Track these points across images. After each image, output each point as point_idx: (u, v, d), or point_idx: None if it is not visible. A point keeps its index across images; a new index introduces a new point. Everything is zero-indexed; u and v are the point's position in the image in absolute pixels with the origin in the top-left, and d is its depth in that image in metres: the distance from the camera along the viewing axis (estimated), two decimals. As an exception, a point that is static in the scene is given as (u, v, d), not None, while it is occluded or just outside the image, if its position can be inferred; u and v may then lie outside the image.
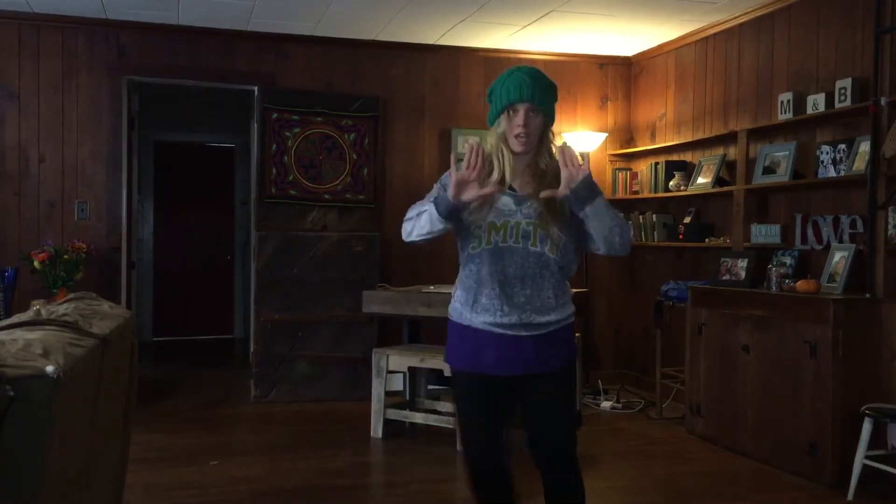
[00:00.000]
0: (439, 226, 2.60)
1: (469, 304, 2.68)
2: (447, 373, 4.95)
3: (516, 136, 2.61)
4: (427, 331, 5.99)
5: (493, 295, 2.63)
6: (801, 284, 4.59)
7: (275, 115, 6.26)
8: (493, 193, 2.57)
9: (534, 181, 2.64)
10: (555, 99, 2.71)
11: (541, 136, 2.66)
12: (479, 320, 2.65)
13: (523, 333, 2.64)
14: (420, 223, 2.65)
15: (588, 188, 2.52)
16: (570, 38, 6.41)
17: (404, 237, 2.73)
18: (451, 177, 2.51)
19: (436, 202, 2.57)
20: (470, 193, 2.52)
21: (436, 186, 2.72)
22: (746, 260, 5.22)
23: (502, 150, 2.65)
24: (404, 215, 2.73)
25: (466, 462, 2.80)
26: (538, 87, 2.62)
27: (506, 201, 2.63)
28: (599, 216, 2.55)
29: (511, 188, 2.65)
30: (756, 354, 4.73)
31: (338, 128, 6.38)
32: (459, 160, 2.54)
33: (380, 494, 4.33)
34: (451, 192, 2.51)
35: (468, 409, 2.77)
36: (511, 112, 2.62)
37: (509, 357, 2.64)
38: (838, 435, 4.21)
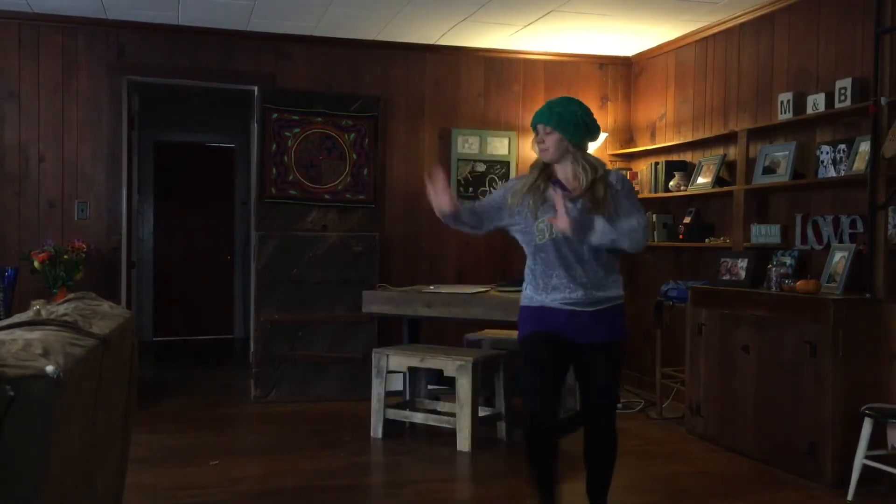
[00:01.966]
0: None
1: (541, 288, 3.32)
2: (447, 372, 4.97)
3: (537, 149, 3.36)
4: (427, 331, 5.99)
5: (562, 275, 3.27)
6: (801, 284, 4.59)
7: (275, 115, 6.27)
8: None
9: (578, 184, 3.28)
10: (574, 121, 3.30)
11: (563, 149, 3.30)
12: (551, 298, 3.29)
13: (588, 308, 3.27)
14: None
15: (577, 231, 3.16)
16: (570, 38, 6.41)
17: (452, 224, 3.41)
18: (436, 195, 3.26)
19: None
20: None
21: (507, 186, 3.46)
22: (746, 260, 5.22)
23: (540, 164, 3.38)
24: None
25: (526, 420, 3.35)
26: (547, 114, 3.32)
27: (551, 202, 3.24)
28: (602, 239, 3.18)
29: (565, 188, 3.29)
30: (756, 354, 4.73)
31: (338, 128, 6.38)
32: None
33: (380, 494, 4.33)
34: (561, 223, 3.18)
35: (534, 365, 3.32)
36: (536, 132, 3.36)
37: (576, 325, 3.26)
38: (838, 435, 4.21)
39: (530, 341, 3.34)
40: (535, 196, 3.31)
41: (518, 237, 3.41)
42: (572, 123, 3.30)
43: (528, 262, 3.39)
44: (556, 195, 3.20)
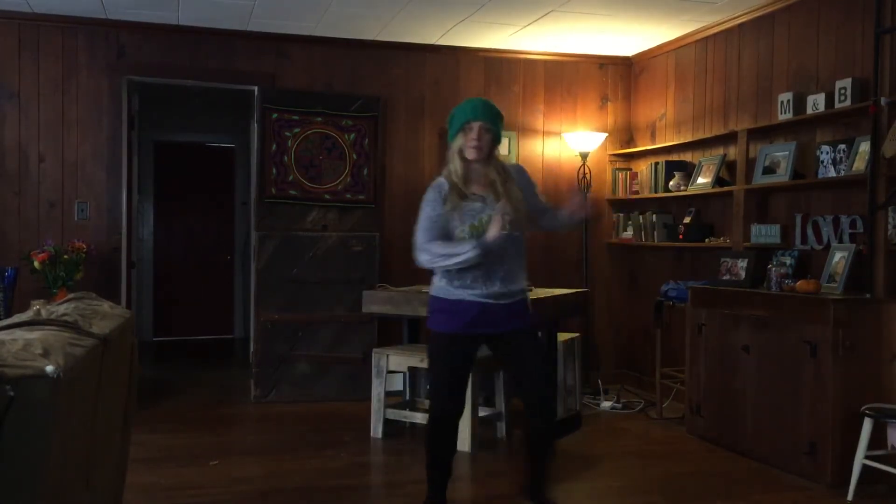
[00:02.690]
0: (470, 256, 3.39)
1: (459, 282, 3.44)
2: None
3: (472, 147, 3.41)
4: (427, 331, 5.98)
5: (482, 272, 3.41)
6: (801, 284, 4.59)
7: (275, 115, 6.26)
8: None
9: (489, 188, 3.44)
10: (502, 124, 3.52)
11: (490, 150, 3.45)
12: (469, 293, 3.43)
13: (501, 301, 3.45)
14: (455, 261, 3.39)
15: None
16: (570, 38, 6.41)
17: (427, 265, 3.49)
18: (494, 228, 3.32)
19: (478, 248, 3.32)
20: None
21: (430, 204, 3.46)
22: (746, 260, 5.22)
23: (459, 166, 3.45)
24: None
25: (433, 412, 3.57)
26: (489, 112, 3.45)
27: (475, 206, 3.42)
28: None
29: (474, 193, 3.43)
30: (756, 354, 4.73)
31: (338, 128, 6.38)
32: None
33: (380, 494, 4.33)
34: (490, 236, 3.32)
35: (445, 365, 3.51)
36: (467, 129, 3.42)
37: (490, 318, 3.44)
38: (838, 435, 4.21)
39: (444, 340, 3.50)
40: (454, 200, 3.42)
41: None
42: (501, 126, 3.50)
43: None
44: (495, 221, 3.32)
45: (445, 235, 3.43)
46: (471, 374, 3.69)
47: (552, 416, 3.61)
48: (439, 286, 3.54)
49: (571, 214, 3.57)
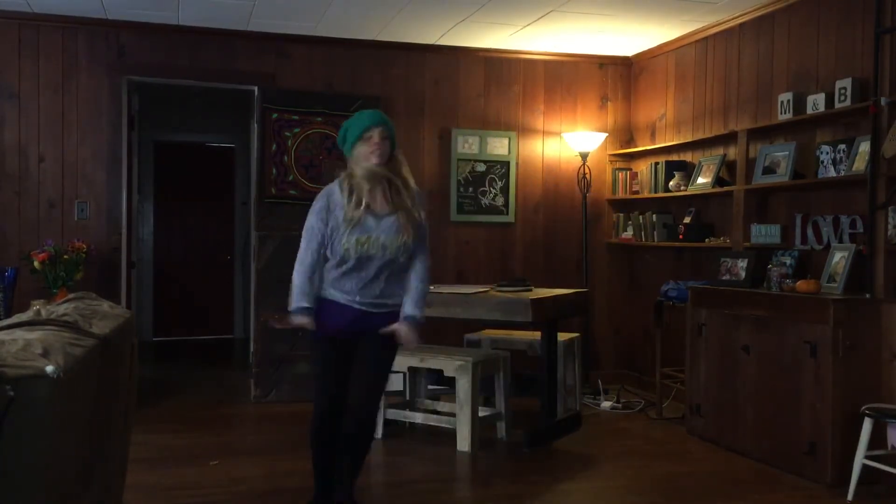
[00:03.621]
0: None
1: (337, 286, 3.49)
2: (447, 372, 4.98)
3: (372, 153, 3.45)
4: (427, 331, 5.98)
5: (354, 287, 3.47)
6: (801, 284, 4.59)
7: (275, 115, 6.26)
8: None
9: (389, 200, 3.46)
10: (394, 132, 3.57)
11: (390, 156, 3.51)
12: (345, 297, 3.48)
13: (374, 311, 3.49)
14: (295, 279, 3.55)
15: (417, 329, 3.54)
16: (570, 38, 6.41)
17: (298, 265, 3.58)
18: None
19: (295, 312, 3.48)
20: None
21: (316, 214, 3.53)
22: (746, 260, 5.22)
23: (361, 179, 3.45)
24: None
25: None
26: (384, 119, 3.53)
27: (368, 222, 3.42)
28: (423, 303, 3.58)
29: (370, 208, 3.43)
30: (756, 354, 4.73)
31: (338, 128, 6.36)
32: None
33: (380, 494, 4.33)
34: (294, 321, 3.49)
35: (327, 365, 3.57)
36: (366, 136, 3.46)
37: (363, 322, 3.49)
38: (838, 435, 4.21)
39: (323, 343, 3.55)
40: (345, 212, 3.43)
41: (330, 241, 3.51)
42: (394, 133, 3.56)
43: (329, 263, 3.50)
44: (404, 335, 3.49)
45: (324, 246, 3.49)
46: (349, 375, 3.63)
47: (369, 422, 3.58)
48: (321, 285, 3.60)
49: (405, 316, 3.52)
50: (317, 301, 3.51)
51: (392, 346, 3.57)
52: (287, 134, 6.29)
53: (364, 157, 3.47)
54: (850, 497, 4.04)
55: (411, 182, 3.55)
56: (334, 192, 3.53)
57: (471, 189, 6.76)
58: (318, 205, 3.54)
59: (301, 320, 3.45)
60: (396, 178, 3.50)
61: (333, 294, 3.50)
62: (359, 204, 3.43)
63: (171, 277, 9.51)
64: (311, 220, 3.52)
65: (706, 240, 5.91)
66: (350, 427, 3.51)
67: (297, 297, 3.47)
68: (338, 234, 3.44)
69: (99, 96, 6.08)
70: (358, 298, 3.47)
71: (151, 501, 3.94)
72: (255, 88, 6.37)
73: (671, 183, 6.23)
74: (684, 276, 6.09)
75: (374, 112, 3.60)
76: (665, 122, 6.66)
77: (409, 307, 3.51)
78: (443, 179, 6.72)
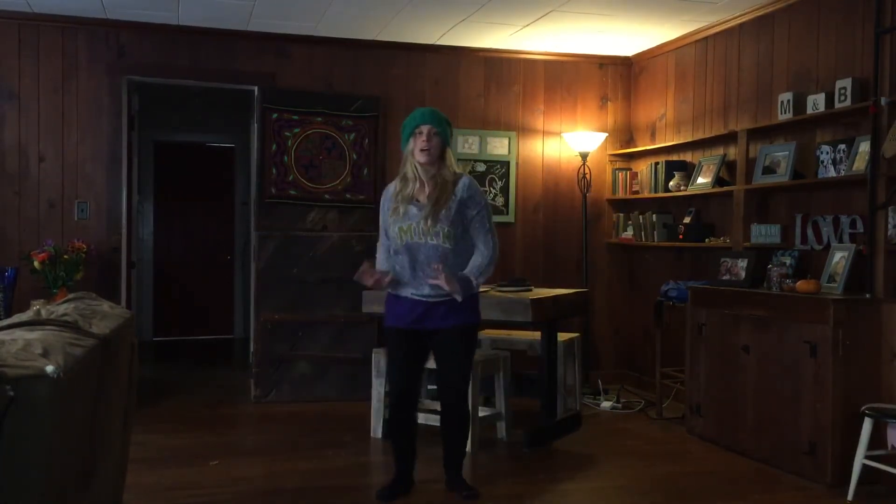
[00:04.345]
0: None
1: (403, 282, 3.82)
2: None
3: (421, 150, 3.74)
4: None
5: (411, 275, 3.79)
6: (801, 284, 4.59)
7: (275, 115, 6.26)
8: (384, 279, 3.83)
9: (436, 191, 3.74)
10: (451, 129, 3.88)
11: (440, 153, 3.78)
12: (410, 291, 3.81)
13: (433, 300, 3.77)
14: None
15: (465, 291, 3.76)
16: (570, 38, 6.41)
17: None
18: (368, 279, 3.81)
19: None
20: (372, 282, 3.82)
21: (382, 213, 3.90)
22: (746, 260, 5.22)
23: (413, 170, 3.77)
24: None
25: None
26: (436, 117, 3.79)
27: (412, 211, 3.76)
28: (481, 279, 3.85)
29: (416, 200, 3.77)
30: (756, 354, 4.73)
31: (338, 128, 6.38)
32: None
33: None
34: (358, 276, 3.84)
35: (398, 355, 3.90)
36: (417, 134, 3.75)
37: (431, 314, 3.78)
38: (838, 435, 4.21)
39: (392, 334, 3.91)
40: (396, 202, 3.79)
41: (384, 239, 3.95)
42: (448, 131, 3.84)
43: (392, 258, 3.88)
44: (440, 277, 3.68)
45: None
46: (423, 366, 4.06)
47: (459, 409, 4.00)
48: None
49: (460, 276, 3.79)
50: (390, 298, 3.91)
51: (467, 335, 3.87)
52: (287, 134, 6.29)
53: (414, 152, 3.76)
54: (850, 497, 4.04)
55: (458, 175, 3.82)
56: (389, 189, 3.91)
57: (471, 189, 6.76)
58: (382, 203, 3.95)
59: (361, 277, 3.78)
60: (441, 172, 3.77)
61: (399, 289, 3.85)
62: (405, 199, 3.77)
63: (171, 277, 9.51)
64: (381, 219, 3.94)
65: (706, 240, 5.91)
66: (445, 418, 3.97)
67: (380, 262, 3.90)
68: (389, 224, 3.83)
69: (99, 96, 6.08)
70: (420, 290, 3.78)
71: (151, 501, 3.94)
72: (255, 88, 6.37)
73: (671, 183, 6.23)
74: (684, 276, 6.09)
75: (429, 110, 3.83)
76: (665, 122, 6.66)
77: (465, 269, 3.80)
78: (443, 179, 6.72)
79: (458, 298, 3.75)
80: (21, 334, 1.84)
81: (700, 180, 5.96)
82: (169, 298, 9.47)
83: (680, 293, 5.64)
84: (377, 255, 3.97)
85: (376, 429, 5.18)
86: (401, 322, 3.87)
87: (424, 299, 3.80)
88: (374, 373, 5.22)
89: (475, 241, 3.83)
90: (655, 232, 6.41)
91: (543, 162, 6.96)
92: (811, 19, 5.11)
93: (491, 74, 6.84)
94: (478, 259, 3.80)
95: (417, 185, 3.80)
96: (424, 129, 3.73)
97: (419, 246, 3.76)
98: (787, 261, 5.00)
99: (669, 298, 5.77)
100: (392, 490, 3.99)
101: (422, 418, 5.23)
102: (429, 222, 3.72)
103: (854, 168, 4.60)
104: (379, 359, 5.20)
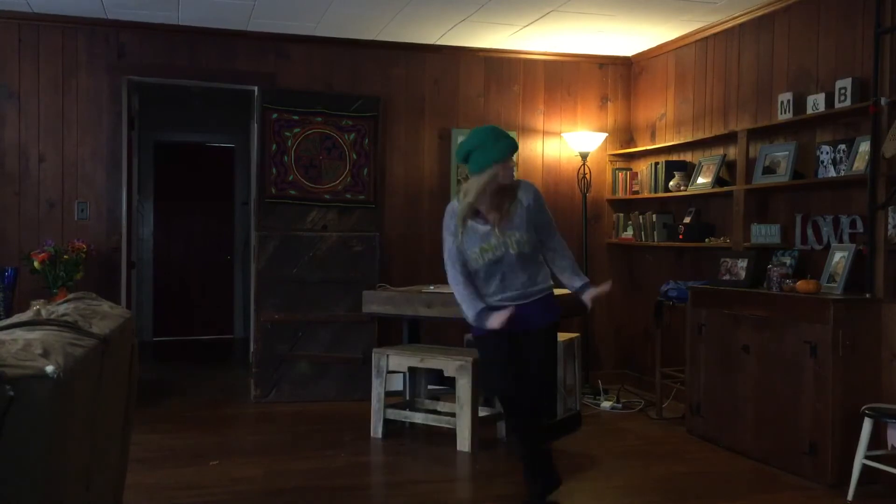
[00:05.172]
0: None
1: (485, 292, 3.76)
2: (447, 372, 4.98)
3: (508, 175, 3.73)
4: (427, 331, 5.99)
5: (497, 285, 3.75)
6: (801, 284, 4.59)
7: (275, 115, 6.26)
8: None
9: (502, 205, 3.73)
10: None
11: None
12: (493, 300, 3.75)
13: (521, 302, 3.74)
14: (458, 298, 3.80)
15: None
16: (570, 38, 6.41)
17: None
18: (494, 321, 3.64)
19: (477, 318, 3.70)
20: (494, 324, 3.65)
21: (450, 234, 3.78)
22: (746, 260, 5.22)
23: (486, 191, 3.68)
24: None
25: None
26: (516, 145, 3.80)
27: (484, 230, 3.72)
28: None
29: (482, 217, 3.73)
30: (756, 354, 4.73)
31: (338, 128, 6.38)
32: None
33: (380, 494, 4.33)
34: (489, 324, 3.65)
35: (493, 357, 3.81)
36: (505, 161, 3.71)
37: (517, 316, 3.66)
38: (838, 435, 4.21)
39: (486, 340, 3.79)
40: (465, 222, 3.73)
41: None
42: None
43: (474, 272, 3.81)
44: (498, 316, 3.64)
45: (465, 261, 3.77)
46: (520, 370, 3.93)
47: (547, 411, 3.98)
48: None
49: (579, 290, 3.82)
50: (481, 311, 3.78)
51: (552, 337, 3.86)
52: (287, 134, 6.29)
53: (501, 177, 3.71)
54: (850, 497, 4.04)
55: (516, 183, 3.82)
56: (455, 208, 3.81)
57: (471, 189, 6.75)
58: (447, 223, 3.82)
59: (493, 322, 3.64)
60: (512, 189, 3.78)
61: (485, 300, 3.77)
62: (472, 216, 3.75)
63: (171, 277, 9.51)
64: (448, 243, 3.81)
65: (706, 240, 5.91)
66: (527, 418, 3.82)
67: (469, 306, 3.72)
68: (465, 247, 3.74)
69: (99, 96, 6.08)
70: (504, 294, 3.74)
71: (151, 501, 3.94)
72: (255, 88, 6.37)
73: (671, 183, 6.23)
74: (684, 276, 6.09)
75: (513, 140, 3.78)
76: (665, 122, 6.66)
77: (574, 281, 3.84)
78: (443, 179, 6.72)
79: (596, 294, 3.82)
80: (21, 334, 1.84)
81: (700, 180, 5.96)
82: (169, 298, 9.48)
83: (680, 293, 5.64)
84: (457, 293, 3.80)
85: (376, 429, 5.18)
86: (499, 329, 3.71)
87: (509, 303, 3.72)
88: (374, 373, 5.22)
89: (546, 242, 3.88)
90: (655, 232, 6.41)
91: (543, 162, 6.96)
92: (811, 19, 5.11)
93: (491, 74, 6.84)
94: (565, 260, 3.89)
95: (486, 202, 3.73)
96: (510, 159, 3.74)
97: (501, 259, 3.72)
98: (787, 261, 5.00)
99: (669, 298, 5.77)
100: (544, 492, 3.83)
101: (419, 418, 5.25)
102: (502, 235, 3.72)
103: (854, 168, 4.60)
104: (379, 359, 5.20)
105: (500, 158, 3.69)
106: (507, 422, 4.05)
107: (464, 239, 3.72)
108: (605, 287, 3.80)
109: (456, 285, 3.77)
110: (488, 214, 3.72)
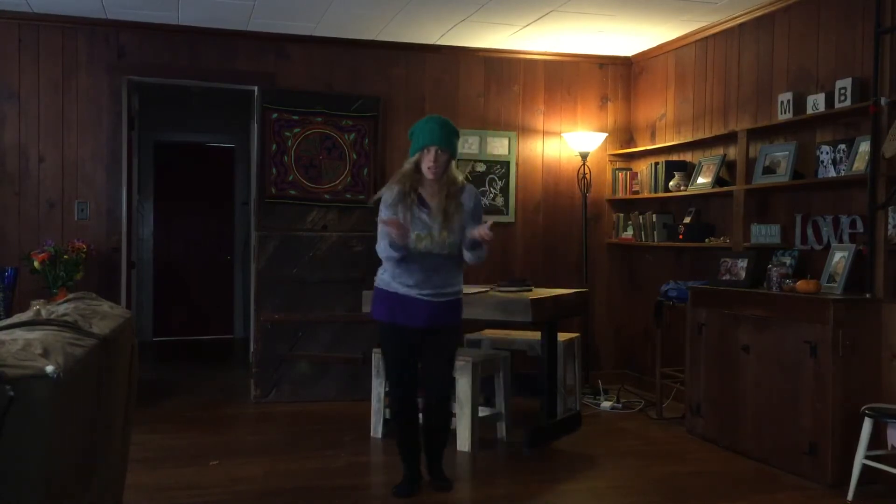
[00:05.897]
0: (396, 255, 3.86)
1: (399, 279, 3.92)
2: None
3: (428, 168, 3.86)
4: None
5: (419, 277, 3.90)
6: (801, 284, 4.59)
7: (275, 115, 6.26)
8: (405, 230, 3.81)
9: (444, 202, 3.86)
10: (458, 140, 3.99)
11: (446, 168, 3.90)
12: (404, 290, 3.91)
13: (435, 300, 3.92)
14: (385, 253, 3.90)
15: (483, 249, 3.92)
16: (570, 38, 6.41)
17: (380, 255, 3.98)
18: (391, 232, 3.76)
19: (391, 245, 3.82)
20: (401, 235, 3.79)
21: (382, 210, 3.92)
22: (746, 260, 5.22)
23: (418, 177, 3.89)
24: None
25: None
26: (445, 135, 3.88)
27: (424, 218, 3.87)
28: (474, 258, 3.95)
29: (426, 206, 3.88)
30: (756, 354, 4.73)
31: (338, 128, 6.38)
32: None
33: (380, 494, 4.32)
34: (397, 241, 3.79)
35: (394, 351, 4.03)
36: (426, 150, 3.86)
37: (425, 312, 3.92)
38: (838, 435, 4.21)
39: (387, 331, 4.00)
40: (405, 208, 3.85)
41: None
42: (457, 143, 3.96)
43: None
44: (482, 232, 3.75)
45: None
46: (416, 361, 4.09)
47: (443, 405, 4.15)
48: (382, 278, 4.04)
49: (471, 241, 3.87)
50: (381, 293, 3.99)
51: (452, 337, 4.07)
52: (287, 134, 6.29)
53: (422, 167, 3.89)
54: (850, 497, 4.04)
55: (462, 187, 3.95)
56: (394, 189, 3.95)
57: (471, 189, 6.76)
58: (384, 197, 3.98)
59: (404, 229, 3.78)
60: (447, 186, 3.89)
61: (396, 286, 3.94)
62: (413, 202, 3.88)
63: (171, 277, 9.51)
64: (382, 213, 3.92)
65: (706, 240, 5.91)
66: (427, 413, 4.11)
67: (390, 245, 3.84)
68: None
69: (99, 96, 6.08)
70: (421, 290, 3.90)
71: (151, 501, 3.94)
72: (255, 88, 6.37)
73: (671, 183, 6.23)
74: (684, 276, 6.09)
75: (438, 126, 3.88)
76: (665, 122, 6.66)
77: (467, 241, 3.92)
78: (443, 179, 6.72)
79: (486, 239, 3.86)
80: (21, 334, 1.84)
81: (700, 180, 5.96)
82: (169, 298, 9.47)
83: (680, 293, 5.65)
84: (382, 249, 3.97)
85: (376, 429, 5.18)
86: (398, 312, 3.95)
87: (422, 298, 3.93)
88: (374, 373, 5.22)
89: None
90: (655, 232, 6.41)
91: (543, 162, 6.96)
92: (811, 19, 5.11)
93: (491, 74, 6.84)
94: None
95: (423, 189, 3.93)
96: (433, 149, 3.84)
97: (431, 252, 3.89)
98: (787, 261, 5.00)
99: (669, 298, 5.77)
100: (409, 487, 4.10)
101: (420, 418, 5.24)
102: (444, 234, 3.87)
103: (854, 168, 4.60)
104: (379, 359, 5.20)
105: (422, 146, 3.86)
106: (390, 406, 4.24)
107: (403, 217, 3.84)
108: (487, 223, 3.82)
109: (380, 246, 3.92)
110: (431, 202, 3.89)
